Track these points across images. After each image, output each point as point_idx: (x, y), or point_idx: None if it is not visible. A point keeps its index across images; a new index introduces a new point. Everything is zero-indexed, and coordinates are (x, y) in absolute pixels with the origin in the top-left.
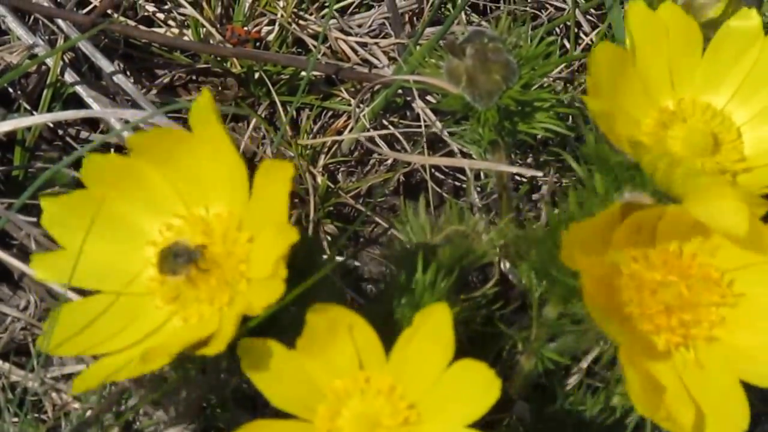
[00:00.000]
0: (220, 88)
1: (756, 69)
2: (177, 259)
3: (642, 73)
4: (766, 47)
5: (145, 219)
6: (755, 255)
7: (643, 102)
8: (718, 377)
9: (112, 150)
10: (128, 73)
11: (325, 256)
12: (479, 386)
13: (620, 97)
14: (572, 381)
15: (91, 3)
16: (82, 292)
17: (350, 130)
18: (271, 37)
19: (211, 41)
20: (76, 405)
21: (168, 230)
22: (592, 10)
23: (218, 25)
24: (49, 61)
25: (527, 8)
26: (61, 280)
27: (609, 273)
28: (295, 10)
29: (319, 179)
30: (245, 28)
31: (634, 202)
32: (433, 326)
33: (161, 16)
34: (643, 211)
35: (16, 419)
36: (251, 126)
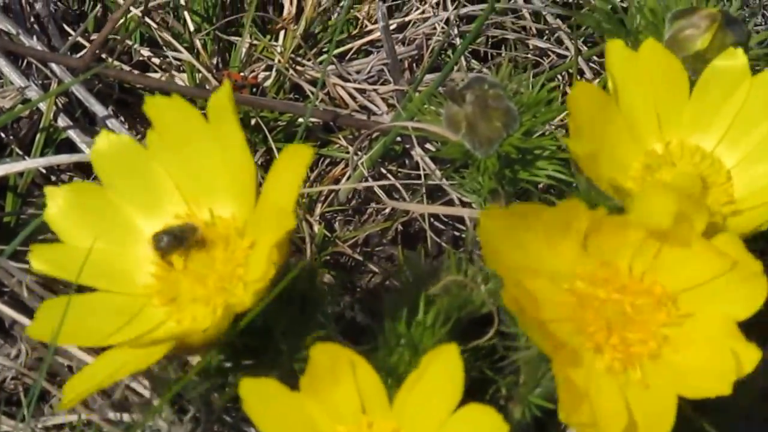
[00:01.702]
0: None
1: (745, 110)
2: (175, 234)
3: (627, 114)
4: (754, 87)
5: (147, 219)
6: (703, 274)
7: (630, 145)
8: (660, 396)
9: None
10: (122, 118)
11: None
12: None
13: (605, 139)
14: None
15: (85, 47)
16: (80, 289)
17: (348, 178)
18: (268, 83)
19: (207, 86)
20: None
21: None
22: (595, 58)
23: (214, 70)
24: (42, 106)
25: (529, 55)
26: (58, 273)
27: (546, 286)
28: (293, 55)
29: (316, 228)
30: (242, 74)
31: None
32: (443, 368)
33: (156, 60)
34: (569, 211)
35: None
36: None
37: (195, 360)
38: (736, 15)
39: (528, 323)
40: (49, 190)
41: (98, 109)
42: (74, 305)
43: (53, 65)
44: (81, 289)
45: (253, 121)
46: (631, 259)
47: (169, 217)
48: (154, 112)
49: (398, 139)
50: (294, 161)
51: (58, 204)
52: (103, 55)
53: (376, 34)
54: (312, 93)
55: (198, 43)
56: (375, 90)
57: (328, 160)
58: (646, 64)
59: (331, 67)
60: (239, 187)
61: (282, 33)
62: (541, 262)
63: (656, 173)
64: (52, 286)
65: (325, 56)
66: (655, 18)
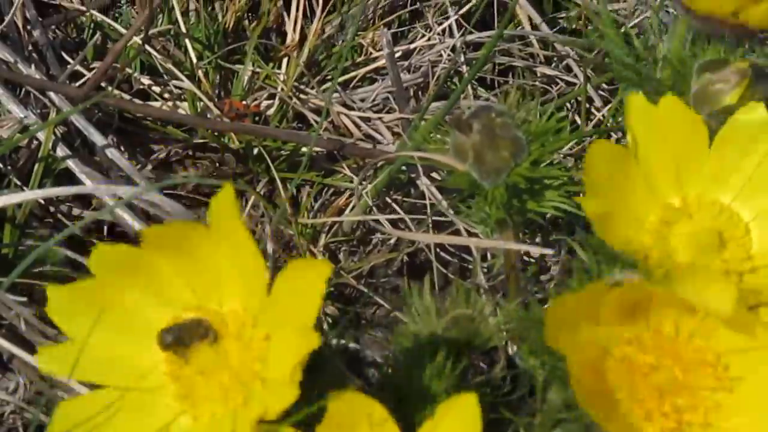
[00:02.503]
0: (217, 164)
1: (764, 164)
2: (181, 331)
3: (645, 168)
4: None
5: (156, 312)
6: (751, 340)
7: (647, 199)
8: None
9: (106, 228)
10: (122, 148)
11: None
12: None
13: (620, 195)
14: None
15: (84, 76)
16: (90, 386)
17: (352, 208)
18: (270, 112)
19: (209, 115)
20: None
21: None
22: (604, 85)
23: (216, 99)
24: (41, 135)
25: (537, 83)
26: (66, 373)
27: (598, 355)
28: (296, 83)
29: (320, 259)
30: (244, 102)
31: (624, 281)
32: (460, 419)
33: (157, 89)
34: (633, 290)
35: None
36: (249, 204)
37: None
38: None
39: (585, 396)
40: (51, 288)
41: (98, 139)
42: (88, 404)
43: (52, 94)
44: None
45: (255, 151)
46: (678, 322)
47: (179, 311)
48: (151, 237)
49: (404, 168)
50: (313, 274)
51: (61, 301)
52: (103, 84)
53: (381, 62)
54: (316, 121)
55: (199, 72)
56: (380, 118)
57: (332, 190)
58: (665, 118)
59: (335, 95)
60: (248, 281)
61: (285, 60)
62: (594, 332)
63: (673, 227)
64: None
65: (329, 84)
66: (682, 67)
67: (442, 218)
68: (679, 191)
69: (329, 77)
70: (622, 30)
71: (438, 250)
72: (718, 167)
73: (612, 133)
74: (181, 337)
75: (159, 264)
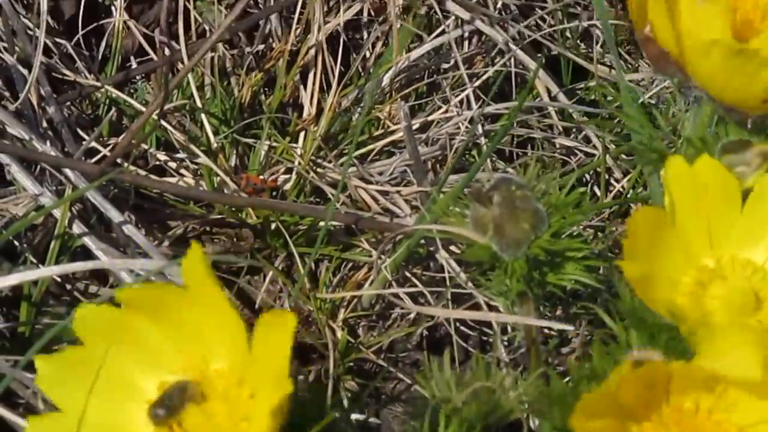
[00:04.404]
0: (235, 240)
1: None
2: (170, 404)
3: (680, 231)
4: None
5: (143, 376)
6: None
7: (682, 261)
8: None
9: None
10: (139, 224)
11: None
12: None
13: (657, 258)
14: None
15: (100, 152)
16: None
17: (371, 283)
18: (288, 186)
19: (226, 191)
20: None
21: None
22: (623, 156)
23: (233, 174)
24: (57, 213)
25: (556, 154)
26: None
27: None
28: (313, 157)
29: (339, 334)
30: (261, 177)
31: (643, 360)
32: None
33: (173, 165)
34: (652, 368)
35: None
36: (268, 279)
37: None
38: None
39: None
40: (39, 359)
41: (114, 215)
42: None
43: (67, 171)
44: None
45: (273, 226)
46: (698, 397)
47: (166, 373)
48: (125, 299)
49: (422, 242)
50: (279, 326)
51: (49, 372)
52: (119, 160)
53: (399, 135)
54: (333, 196)
55: (216, 146)
56: (398, 192)
57: (350, 264)
58: (701, 179)
59: (352, 168)
60: (230, 340)
61: (302, 135)
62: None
63: (708, 288)
64: None
65: (346, 158)
66: (704, 147)
67: (462, 291)
68: (713, 252)
69: (346, 151)
70: (641, 101)
71: (458, 324)
72: (751, 228)
73: (631, 204)
74: (172, 408)
75: (142, 325)
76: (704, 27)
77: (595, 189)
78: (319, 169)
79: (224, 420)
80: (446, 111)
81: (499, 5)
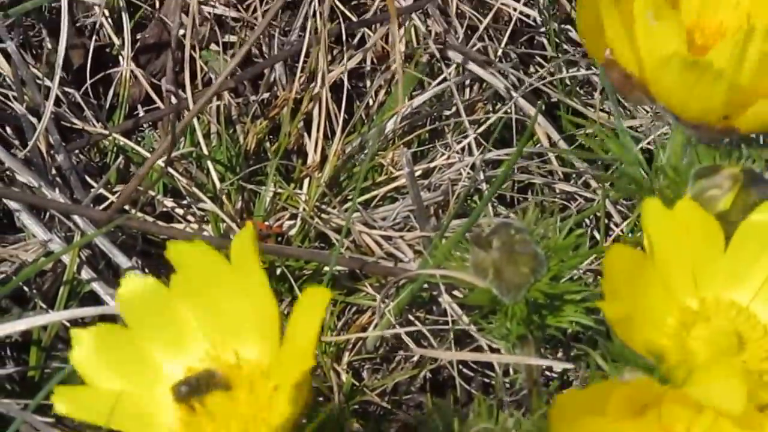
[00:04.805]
0: None
1: None
2: (193, 384)
3: (662, 271)
4: None
5: (173, 361)
6: None
7: (665, 302)
8: None
9: None
10: (146, 269)
11: None
12: None
13: (639, 298)
14: None
15: (108, 199)
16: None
17: (375, 326)
18: (293, 232)
19: (232, 236)
20: None
21: None
22: (623, 201)
23: (239, 220)
24: (65, 258)
25: (556, 199)
26: (83, 416)
27: None
28: (318, 203)
29: (344, 377)
30: (266, 223)
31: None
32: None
33: (180, 211)
34: (643, 389)
35: None
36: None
37: None
38: (761, 172)
39: None
40: (75, 332)
41: (122, 261)
42: None
43: (76, 217)
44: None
45: (278, 271)
46: (690, 424)
47: (195, 359)
48: (176, 257)
49: (425, 286)
50: (312, 303)
51: (84, 347)
52: (126, 207)
53: (401, 181)
54: (337, 241)
55: (222, 193)
56: (401, 237)
57: (354, 308)
58: (681, 221)
59: (356, 214)
60: (264, 329)
61: (306, 181)
62: (600, 426)
63: (692, 329)
64: None
65: (350, 204)
66: (677, 176)
67: (465, 334)
68: (697, 293)
69: (350, 197)
70: (639, 146)
71: (460, 366)
72: (734, 269)
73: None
74: (195, 389)
75: (179, 307)
76: (660, 44)
77: (595, 233)
78: (323, 215)
79: (246, 409)
80: (448, 157)
81: (499, 53)
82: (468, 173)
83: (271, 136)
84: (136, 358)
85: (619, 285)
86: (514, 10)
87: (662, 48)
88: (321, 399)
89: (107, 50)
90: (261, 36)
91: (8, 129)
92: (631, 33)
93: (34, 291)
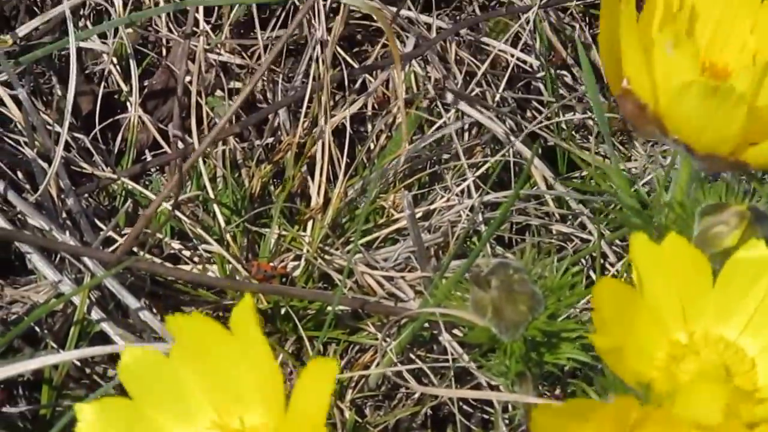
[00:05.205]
0: None
1: (766, 300)
2: None
3: (651, 306)
4: None
5: (179, 430)
6: None
7: (654, 335)
8: None
9: None
10: (155, 310)
11: None
12: None
13: (629, 331)
14: None
15: (116, 241)
16: None
17: (377, 364)
18: (297, 273)
19: (237, 277)
20: None
21: None
22: (618, 241)
23: (244, 262)
24: (76, 299)
25: (553, 240)
26: None
27: None
28: (321, 245)
29: (347, 414)
30: (271, 264)
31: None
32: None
33: (187, 253)
34: (628, 408)
35: None
36: (278, 362)
37: None
38: (765, 210)
39: None
40: (78, 407)
41: (131, 302)
42: None
43: (86, 259)
44: None
45: (283, 311)
46: None
47: (202, 428)
48: (175, 329)
49: (426, 324)
50: (321, 373)
51: (89, 421)
52: (135, 249)
53: (402, 223)
54: (340, 281)
55: (228, 236)
56: (402, 277)
57: (357, 347)
58: (669, 256)
59: (358, 255)
60: (268, 395)
61: (310, 223)
62: None
63: (681, 363)
64: None
65: (352, 245)
66: (684, 212)
67: (465, 371)
68: (686, 327)
69: (352, 239)
70: (634, 188)
71: (461, 403)
72: (722, 304)
73: None
74: None
75: (182, 375)
76: (678, 72)
77: (591, 273)
78: (326, 256)
79: None
80: (448, 200)
81: (497, 98)
82: (467, 215)
83: (275, 180)
84: (142, 429)
85: (608, 317)
86: (512, 56)
87: (680, 75)
88: None
89: (115, 96)
90: (265, 82)
91: (20, 173)
92: (649, 61)
93: (46, 331)
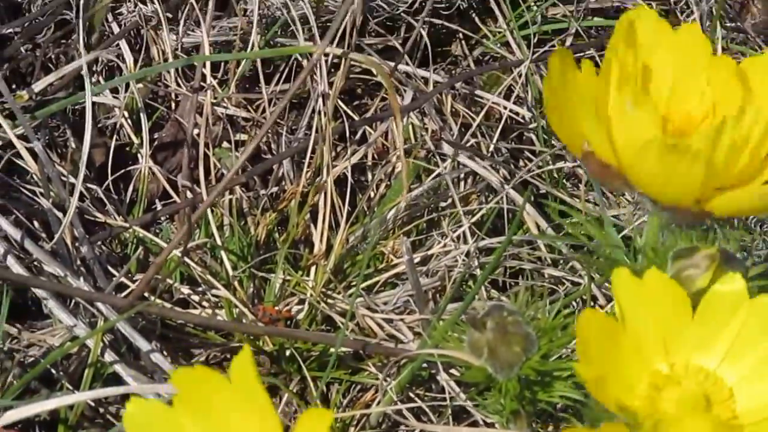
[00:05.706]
0: None
1: (744, 331)
2: None
3: (633, 338)
4: (752, 311)
5: None
6: None
7: (636, 366)
8: None
9: None
10: (165, 352)
11: None
12: None
13: (612, 362)
14: None
15: (129, 287)
16: None
17: (378, 403)
18: (301, 316)
19: (244, 321)
20: None
21: None
22: (607, 284)
23: (250, 305)
24: (90, 343)
25: (545, 283)
26: None
27: None
28: (324, 289)
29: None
30: (276, 308)
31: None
32: None
33: (196, 297)
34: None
35: None
36: (284, 401)
37: None
38: (734, 252)
39: None
40: None
41: (142, 344)
42: None
43: (99, 304)
44: None
45: (288, 352)
46: None
47: None
48: (178, 382)
49: (425, 365)
50: (316, 424)
51: None
52: (146, 294)
53: (401, 268)
54: (342, 324)
55: (235, 281)
56: (402, 320)
57: (359, 387)
58: (650, 291)
59: (359, 299)
60: None
61: (313, 269)
62: None
63: (662, 392)
64: None
65: (354, 289)
66: (656, 257)
67: (462, 409)
68: (667, 358)
69: (354, 283)
70: (621, 234)
71: None
72: (702, 336)
73: None
74: None
75: (184, 423)
76: (637, 131)
77: None
78: (329, 300)
79: None
80: (445, 245)
81: (491, 148)
82: (463, 260)
83: (279, 227)
84: None
85: (591, 348)
86: (505, 108)
87: (641, 134)
88: None
89: (127, 149)
90: (270, 134)
91: (36, 222)
92: (606, 124)
93: (61, 373)
